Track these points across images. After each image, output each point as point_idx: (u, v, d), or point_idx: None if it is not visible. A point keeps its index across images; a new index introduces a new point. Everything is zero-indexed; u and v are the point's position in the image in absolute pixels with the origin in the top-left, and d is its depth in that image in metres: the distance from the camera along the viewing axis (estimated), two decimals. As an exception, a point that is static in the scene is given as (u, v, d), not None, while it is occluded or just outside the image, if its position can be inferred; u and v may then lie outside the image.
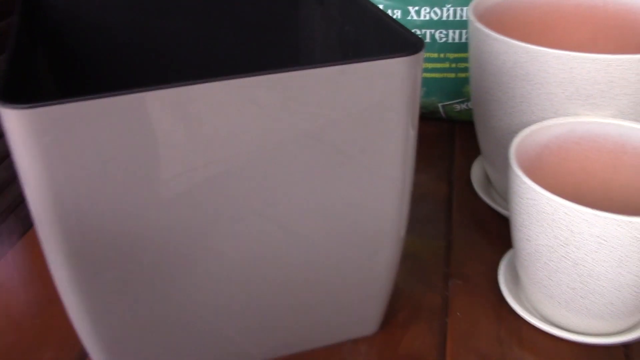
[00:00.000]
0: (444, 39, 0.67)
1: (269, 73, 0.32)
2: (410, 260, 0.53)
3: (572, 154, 0.47)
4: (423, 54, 0.35)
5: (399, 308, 0.48)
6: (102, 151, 0.31)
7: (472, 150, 0.68)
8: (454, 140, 0.70)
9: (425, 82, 0.69)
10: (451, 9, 0.66)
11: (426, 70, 0.68)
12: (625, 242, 0.37)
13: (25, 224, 0.58)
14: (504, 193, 0.57)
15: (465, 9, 0.65)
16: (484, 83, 0.51)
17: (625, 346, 0.45)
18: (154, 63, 0.51)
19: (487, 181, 0.61)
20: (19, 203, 0.61)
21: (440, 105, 0.71)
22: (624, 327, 0.43)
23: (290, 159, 0.35)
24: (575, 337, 0.43)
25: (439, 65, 0.68)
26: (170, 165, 0.33)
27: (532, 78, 0.47)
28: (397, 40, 0.38)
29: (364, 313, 0.45)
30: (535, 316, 0.45)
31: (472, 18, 0.51)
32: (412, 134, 0.38)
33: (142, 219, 0.34)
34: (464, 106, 0.70)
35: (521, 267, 0.45)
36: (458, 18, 0.66)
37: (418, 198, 0.60)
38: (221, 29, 0.52)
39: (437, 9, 0.66)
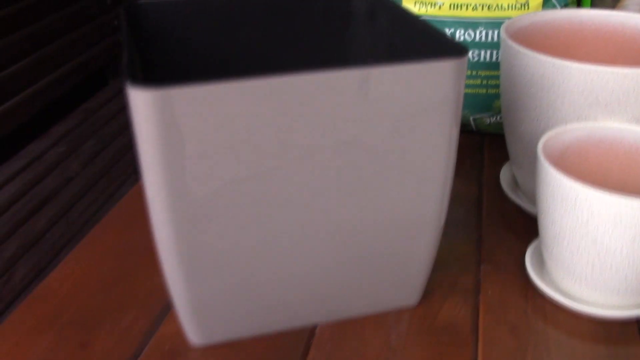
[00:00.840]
0: (476, 59, 0.74)
1: (344, 69, 0.39)
2: (447, 248, 0.59)
3: (592, 155, 0.54)
4: (467, 59, 0.43)
5: (436, 286, 0.55)
6: (217, 130, 0.39)
7: (500, 159, 0.74)
8: (484, 151, 0.77)
9: (458, 96, 0.76)
10: (483, 32, 0.73)
11: (459, 86, 0.76)
12: (638, 222, 0.44)
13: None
14: (530, 193, 0.63)
15: (495, 31, 0.73)
16: (514, 94, 0.58)
17: (639, 321, 0.51)
18: (225, 67, 0.59)
19: (515, 184, 0.67)
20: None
21: (471, 118, 0.78)
22: (638, 302, 0.49)
23: (349, 157, 0.42)
24: (593, 310, 0.49)
25: (471, 82, 0.76)
26: (268, 147, 0.40)
27: (557, 88, 0.54)
28: (444, 48, 0.45)
29: (406, 287, 0.51)
30: (558, 293, 0.51)
31: (504, 36, 0.59)
32: (455, 134, 0.45)
33: (242, 191, 0.41)
34: (493, 119, 0.77)
35: (546, 249, 0.51)
36: (489, 40, 0.73)
37: (452, 199, 0.67)
38: (280, 44, 0.60)
39: (470, 31, 0.73)
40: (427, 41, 0.48)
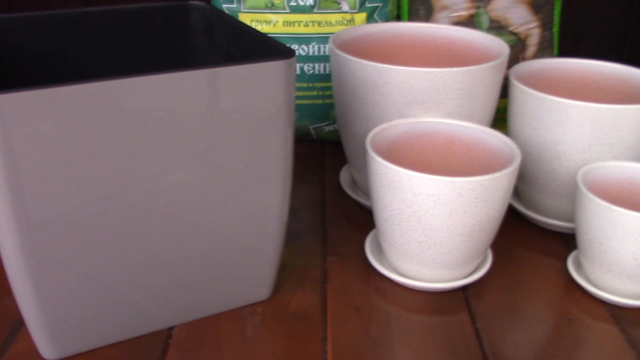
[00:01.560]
0: (311, 71, 0.80)
1: (173, 71, 0.42)
2: (294, 244, 0.63)
3: (415, 147, 0.60)
4: (295, 60, 0.47)
5: (286, 280, 0.58)
6: (51, 136, 0.39)
7: (340, 164, 0.80)
8: (325, 157, 0.82)
9: (298, 107, 0.81)
10: (316, 46, 0.79)
11: (298, 97, 0.81)
12: (452, 198, 0.50)
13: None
14: (367, 190, 0.69)
15: (327, 45, 0.78)
16: (344, 98, 0.64)
17: (463, 289, 0.57)
18: (64, 78, 0.59)
19: (353, 183, 0.73)
20: None
21: (311, 127, 0.83)
22: (463, 274, 0.56)
23: (190, 161, 0.45)
24: (423, 285, 0.55)
25: (308, 93, 0.81)
26: (103, 153, 0.41)
27: (380, 89, 0.60)
28: (275, 52, 0.49)
29: (258, 282, 0.54)
30: (394, 274, 0.57)
31: (332, 46, 0.64)
32: (290, 133, 0.49)
33: (81, 199, 0.42)
34: (331, 128, 0.83)
35: (381, 235, 0.56)
36: (322, 53, 0.79)
37: (297, 202, 0.71)
38: (121, 58, 0.61)
39: (304, 46, 0.79)
40: (260, 48, 0.51)
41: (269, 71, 0.45)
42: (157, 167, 0.44)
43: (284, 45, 0.48)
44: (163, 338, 0.51)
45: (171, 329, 0.52)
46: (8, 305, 0.54)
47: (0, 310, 0.53)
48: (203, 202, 0.48)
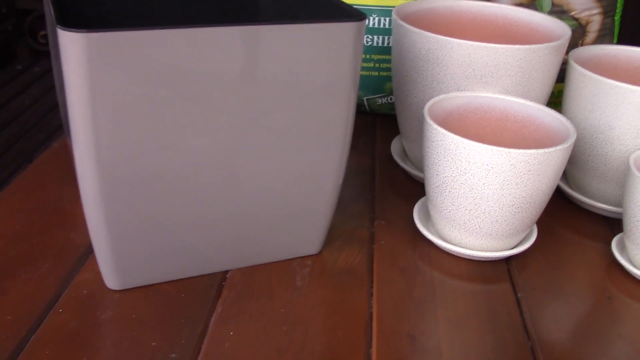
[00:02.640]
0: (369, 43, 0.81)
1: (249, 24, 0.44)
2: (345, 208, 0.65)
3: (470, 120, 0.62)
4: (365, 23, 0.49)
5: (336, 238, 0.60)
6: (137, 80, 0.42)
7: (390, 137, 0.81)
8: (376, 128, 0.84)
9: (354, 78, 0.83)
10: (376, 19, 0.80)
11: (354, 68, 0.82)
12: (506, 168, 0.51)
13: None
14: (417, 161, 0.71)
15: (387, 18, 0.80)
16: (404, 68, 0.65)
17: (507, 260, 0.59)
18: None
19: (404, 154, 0.74)
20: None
21: (365, 99, 0.85)
22: (508, 246, 0.57)
23: (258, 113, 0.47)
24: (469, 252, 0.57)
25: (365, 65, 0.82)
26: (181, 98, 0.44)
27: (440, 62, 0.61)
28: (347, 14, 0.51)
29: (309, 236, 0.56)
30: (441, 240, 0.58)
31: (395, 17, 0.66)
32: (354, 96, 0.51)
33: (159, 141, 0.45)
34: (384, 100, 0.84)
35: (430, 202, 0.58)
36: (382, 26, 0.81)
37: (348, 170, 0.73)
38: (193, 13, 0.64)
39: (364, 18, 0.80)
40: (330, 10, 0.53)
41: (340, 32, 0.47)
42: (221, 121, 0.47)
43: (355, 9, 0.50)
44: (218, 280, 0.54)
45: (226, 272, 0.55)
46: (74, 239, 0.57)
47: (68, 243, 0.57)
48: (264, 160, 0.50)
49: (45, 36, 2.64)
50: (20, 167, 1.81)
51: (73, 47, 0.40)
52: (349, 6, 0.51)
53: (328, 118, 0.51)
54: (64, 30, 0.40)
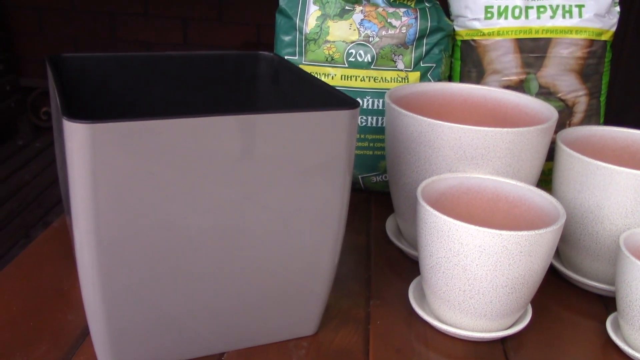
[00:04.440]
0: (364, 123, 0.84)
1: (241, 114, 0.46)
2: (340, 287, 0.66)
3: (462, 201, 0.63)
4: (359, 111, 0.51)
5: (331, 318, 0.61)
6: (140, 167, 0.44)
7: (385, 214, 0.83)
8: (371, 206, 0.85)
9: (349, 157, 0.85)
10: (370, 100, 0.83)
11: (349, 147, 0.84)
12: (498, 250, 0.52)
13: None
14: (412, 239, 0.72)
15: (380, 100, 0.83)
16: (397, 150, 0.67)
17: (503, 341, 0.59)
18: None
19: (398, 232, 0.76)
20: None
21: (360, 177, 0.86)
22: (503, 326, 0.58)
23: (254, 202, 0.49)
24: (464, 333, 0.57)
25: (360, 144, 0.85)
26: (179, 188, 0.46)
27: (432, 144, 0.63)
28: (340, 102, 0.53)
29: (305, 318, 0.57)
30: (436, 320, 0.59)
31: (388, 101, 0.68)
32: (348, 178, 0.53)
33: (159, 229, 0.46)
34: (379, 178, 0.86)
35: (425, 282, 0.59)
36: (375, 107, 0.83)
37: (344, 248, 0.74)
38: (194, 99, 0.66)
39: (359, 99, 0.83)
40: (324, 97, 0.56)
41: (335, 119, 0.49)
42: (219, 204, 0.48)
43: (348, 96, 0.52)
44: (214, 363, 0.54)
45: (222, 354, 0.55)
46: (72, 320, 0.57)
47: (65, 324, 0.57)
48: (262, 241, 0.51)
49: (47, 112, 2.70)
50: (18, 243, 1.81)
51: (77, 137, 0.42)
52: (343, 94, 0.53)
53: (324, 199, 0.52)
54: (69, 121, 0.42)
